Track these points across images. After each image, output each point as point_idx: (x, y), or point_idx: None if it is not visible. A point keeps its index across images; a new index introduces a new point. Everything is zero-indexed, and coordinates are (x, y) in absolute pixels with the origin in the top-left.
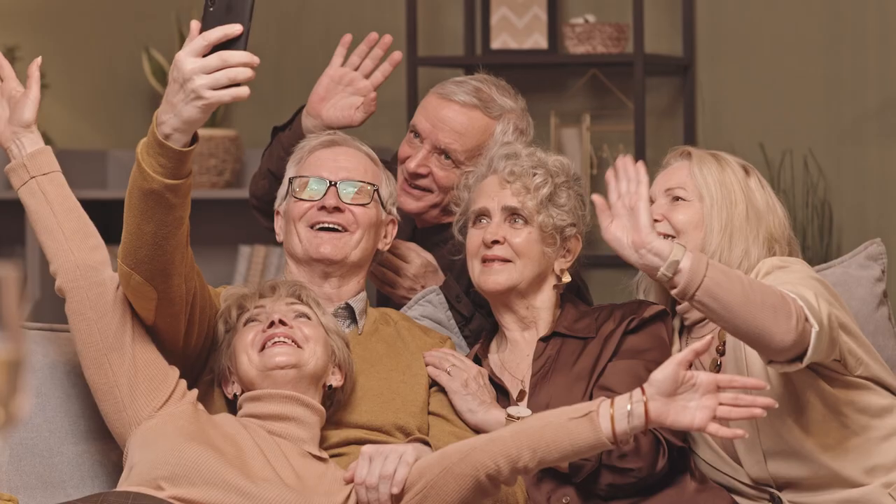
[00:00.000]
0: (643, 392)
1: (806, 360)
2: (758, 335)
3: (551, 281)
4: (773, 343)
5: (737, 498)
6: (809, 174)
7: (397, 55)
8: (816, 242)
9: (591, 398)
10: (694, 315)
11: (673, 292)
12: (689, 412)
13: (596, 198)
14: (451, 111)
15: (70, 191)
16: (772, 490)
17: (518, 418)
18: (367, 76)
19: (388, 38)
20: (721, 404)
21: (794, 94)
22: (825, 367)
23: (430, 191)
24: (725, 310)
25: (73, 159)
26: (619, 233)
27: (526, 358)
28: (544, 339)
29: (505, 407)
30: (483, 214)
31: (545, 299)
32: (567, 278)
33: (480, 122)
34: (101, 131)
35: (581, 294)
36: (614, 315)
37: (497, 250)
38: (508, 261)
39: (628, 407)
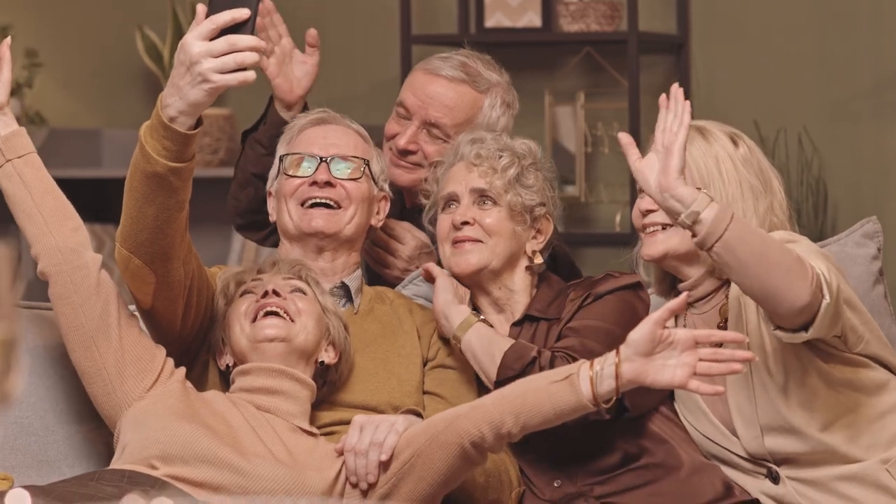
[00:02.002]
0: (617, 353)
1: (811, 331)
2: (771, 294)
3: (524, 262)
4: (785, 304)
5: (733, 472)
6: (804, 152)
7: (268, 3)
8: (811, 220)
9: None
10: (696, 293)
11: (693, 240)
12: (669, 370)
13: (622, 135)
14: (440, 86)
15: (47, 172)
16: (769, 465)
17: (482, 319)
18: (279, 42)
19: (268, 3)
20: (701, 360)
21: (789, 72)
22: (825, 343)
23: (420, 166)
24: (741, 266)
25: (68, 138)
26: (646, 170)
27: None
28: (517, 324)
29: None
30: (452, 199)
31: (518, 281)
32: (539, 260)
33: (469, 96)
34: (95, 110)
35: (575, 270)
36: (582, 288)
37: (467, 231)
38: (479, 241)
39: (600, 368)
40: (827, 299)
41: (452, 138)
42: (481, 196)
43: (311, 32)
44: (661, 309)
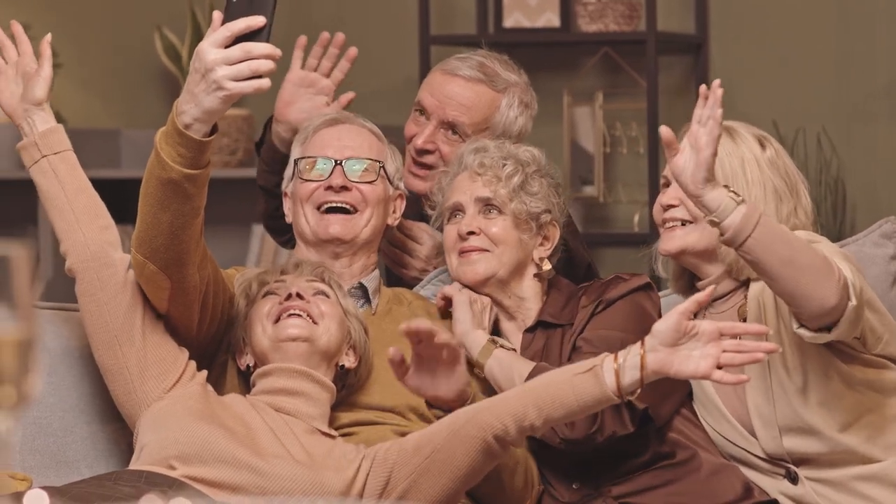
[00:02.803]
0: (642, 344)
1: (834, 332)
2: (799, 294)
3: (531, 270)
4: (814, 304)
5: (752, 473)
6: (822, 152)
7: (353, 51)
8: (830, 221)
9: None
10: (715, 292)
11: (721, 239)
12: (693, 361)
13: (664, 130)
14: (457, 86)
15: (81, 170)
16: (788, 465)
17: (500, 345)
18: (327, 76)
19: (340, 37)
20: (725, 351)
21: (807, 72)
22: (845, 344)
23: (436, 167)
24: (770, 265)
25: (86, 138)
26: (682, 163)
27: (517, 350)
28: (529, 331)
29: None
30: (457, 209)
31: (527, 289)
32: (547, 266)
33: (486, 95)
34: (114, 110)
35: (591, 270)
36: (592, 293)
37: (473, 241)
38: (486, 250)
39: (624, 360)
40: (853, 302)
41: (470, 138)
42: (486, 205)
43: (349, 96)
44: (687, 300)
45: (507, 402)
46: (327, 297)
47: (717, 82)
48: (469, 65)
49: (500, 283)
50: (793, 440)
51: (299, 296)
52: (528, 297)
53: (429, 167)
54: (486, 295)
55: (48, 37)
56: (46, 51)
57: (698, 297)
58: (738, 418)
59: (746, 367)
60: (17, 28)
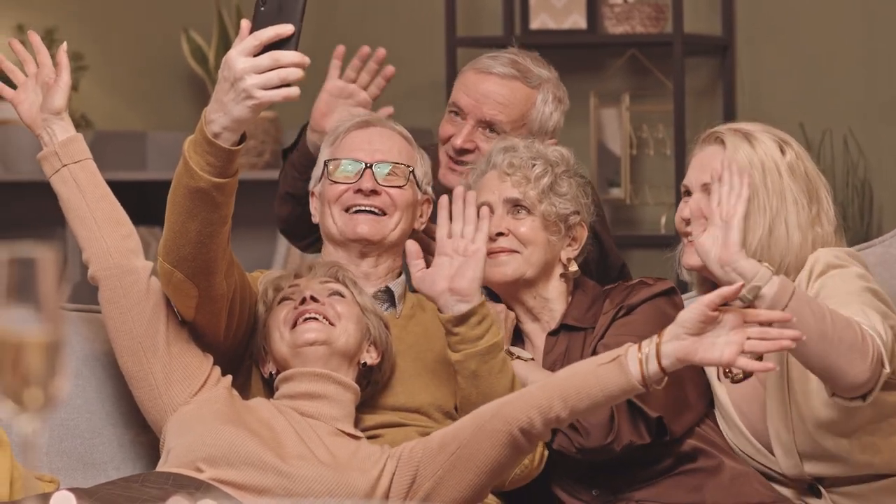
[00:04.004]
0: (660, 335)
1: (868, 400)
2: (830, 372)
3: (558, 270)
4: (846, 382)
5: (772, 483)
6: (850, 154)
7: (390, 70)
8: (857, 223)
9: None
10: (737, 303)
11: None
12: (717, 348)
13: (695, 207)
14: (492, 84)
15: (101, 178)
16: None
17: (517, 357)
18: (365, 89)
19: (381, 52)
20: (749, 339)
21: (834, 74)
22: None
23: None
24: (800, 343)
25: (113, 141)
26: (708, 243)
27: (540, 352)
28: (553, 334)
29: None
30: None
31: (553, 290)
32: (574, 267)
33: (522, 92)
34: (141, 113)
35: (624, 272)
36: (616, 296)
37: (502, 242)
38: (515, 251)
39: (647, 350)
40: (887, 369)
41: (509, 135)
42: (515, 206)
43: (387, 111)
44: (713, 293)
45: (532, 395)
46: (342, 296)
47: (745, 176)
48: (502, 62)
49: (526, 283)
50: (814, 466)
51: (314, 299)
52: (553, 298)
53: (467, 165)
54: (512, 295)
55: (64, 45)
56: (63, 59)
57: (723, 291)
58: (757, 437)
59: (767, 393)
60: (35, 38)
